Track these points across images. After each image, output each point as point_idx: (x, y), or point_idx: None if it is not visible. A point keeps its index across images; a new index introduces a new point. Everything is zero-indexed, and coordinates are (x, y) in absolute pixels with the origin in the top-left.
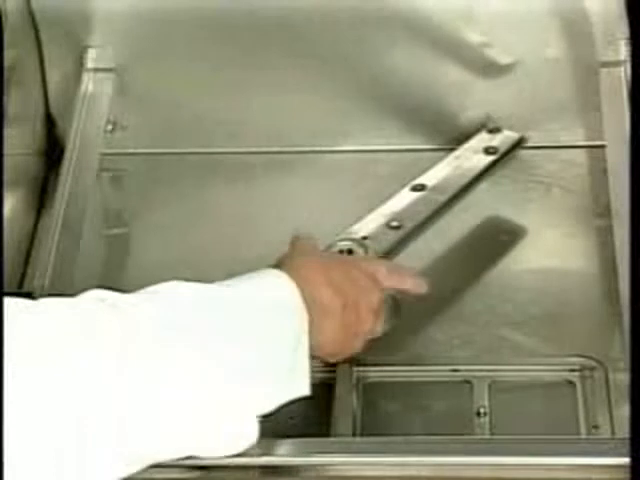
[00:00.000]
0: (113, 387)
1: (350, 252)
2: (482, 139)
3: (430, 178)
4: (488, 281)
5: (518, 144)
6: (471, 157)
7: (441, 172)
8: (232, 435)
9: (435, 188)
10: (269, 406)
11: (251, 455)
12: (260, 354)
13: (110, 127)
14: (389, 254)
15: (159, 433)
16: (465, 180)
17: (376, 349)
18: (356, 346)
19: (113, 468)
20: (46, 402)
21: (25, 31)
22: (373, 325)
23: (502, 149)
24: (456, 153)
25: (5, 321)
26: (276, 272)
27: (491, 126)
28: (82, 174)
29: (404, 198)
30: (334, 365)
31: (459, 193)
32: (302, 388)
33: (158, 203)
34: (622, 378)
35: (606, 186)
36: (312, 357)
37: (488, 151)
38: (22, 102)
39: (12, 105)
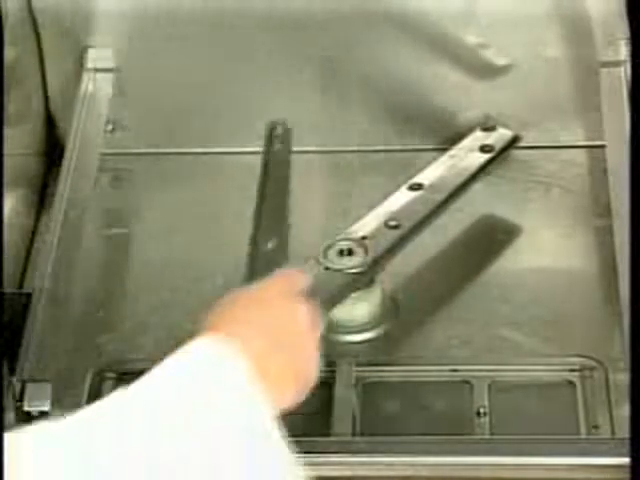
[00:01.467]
0: None
1: (350, 252)
2: (477, 137)
3: (427, 177)
4: (488, 281)
5: (513, 142)
6: (467, 155)
7: (438, 171)
8: None
9: (432, 187)
10: None
11: None
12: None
13: (110, 127)
14: (388, 254)
15: None
16: (462, 178)
17: (376, 349)
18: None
19: None
20: None
21: (25, 31)
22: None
23: (497, 147)
24: (452, 152)
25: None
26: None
27: (486, 124)
28: (82, 174)
29: (402, 197)
30: (334, 365)
31: (457, 191)
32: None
33: (158, 203)
34: (622, 378)
35: (606, 186)
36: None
37: (484, 149)
38: (22, 102)
39: (12, 105)
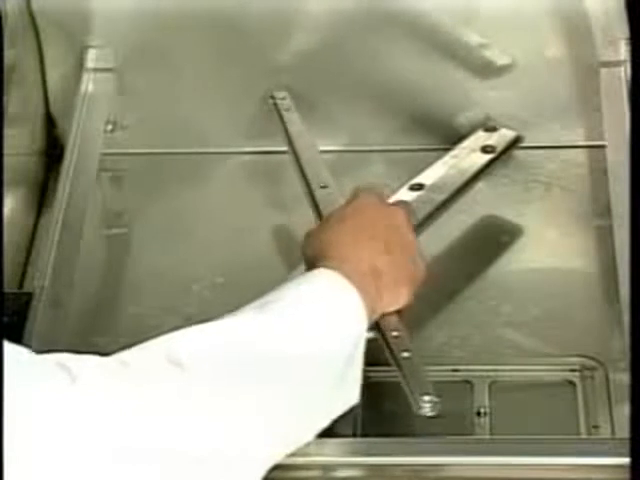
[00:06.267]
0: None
1: None
2: (479, 138)
3: (428, 177)
4: (488, 281)
5: (515, 143)
6: (469, 156)
7: (439, 171)
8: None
9: (433, 187)
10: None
11: None
12: (317, 369)
13: (110, 127)
14: None
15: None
16: (463, 179)
17: (376, 349)
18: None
19: None
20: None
21: (25, 31)
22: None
23: (499, 148)
24: (453, 152)
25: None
26: (326, 273)
27: (488, 125)
28: (82, 174)
29: (403, 198)
30: None
31: (458, 192)
32: (353, 397)
33: (158, 203)
34: (622, 378)
35: (606, 186)
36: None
37: (485, 150)
38: (22, 102)
39: (12, 105)
